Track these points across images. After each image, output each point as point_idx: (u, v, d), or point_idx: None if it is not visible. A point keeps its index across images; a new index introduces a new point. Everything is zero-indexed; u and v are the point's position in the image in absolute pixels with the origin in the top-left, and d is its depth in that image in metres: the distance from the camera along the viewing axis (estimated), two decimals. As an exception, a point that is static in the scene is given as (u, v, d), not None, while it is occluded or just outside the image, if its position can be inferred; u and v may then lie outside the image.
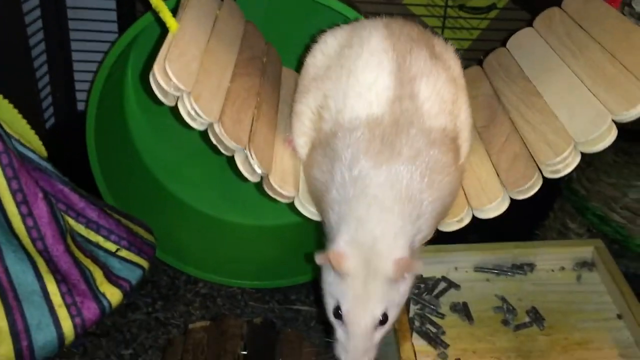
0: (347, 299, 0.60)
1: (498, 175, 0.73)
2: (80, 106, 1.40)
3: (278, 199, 0.73)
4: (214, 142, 0.68)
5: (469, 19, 1.43)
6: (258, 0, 1.17)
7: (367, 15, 1.10)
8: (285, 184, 0.72)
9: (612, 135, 0.65)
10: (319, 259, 0.62)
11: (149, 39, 1.06)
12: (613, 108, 0.65)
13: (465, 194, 0.74)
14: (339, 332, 0.62)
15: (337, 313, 0.61)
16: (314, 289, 1.14)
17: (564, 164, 0.67)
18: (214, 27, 0.79)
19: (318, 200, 0.69)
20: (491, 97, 0.82)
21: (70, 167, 1.12)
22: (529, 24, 0.92)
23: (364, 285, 0.60)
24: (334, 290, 0.62)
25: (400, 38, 0.71)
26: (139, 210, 1.16)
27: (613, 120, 0.65)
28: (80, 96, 1.39)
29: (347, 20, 1.01)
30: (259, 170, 0.70)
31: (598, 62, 0.70)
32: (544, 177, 0.70)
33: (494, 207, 0.71)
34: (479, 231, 1.14)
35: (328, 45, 0.79)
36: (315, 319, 1.08)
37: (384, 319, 0.62)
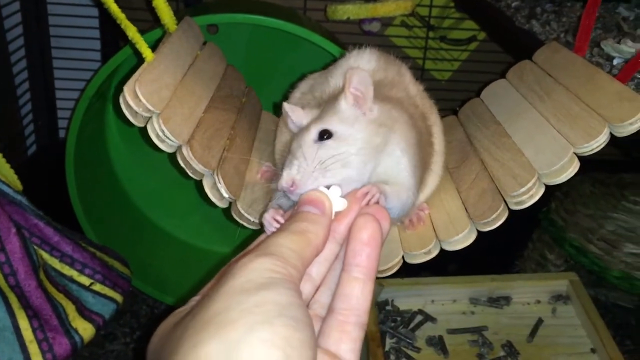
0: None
1: (466, 209, 0.74)
2: (62, 134, 1.40)
3: (245, 224, 0.73)
4: (182, 164, 0.69)
5: (450, 51, 1.45)
6: (239, 37, 1.19)
7: (349, 47, 1.12)
8: (253, 211, 0.73)
9: (574, 167, 0.67)
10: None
11: (131, 70, 1.07)
12: (574, 141, 0.67)
13: (433, 227, 0.75)
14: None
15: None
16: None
17: (529, 195, 0.69)
18: (193, 65, 0.81)
19: None
20: (464, 142, 0.84)
21: (51, 193, 1.12)
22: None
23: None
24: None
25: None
26: (119, 240, 1.16)
27: (575, 154, 0.67)
28: (63, 123, 1.40)
29: (326, 54, 1.03)
30: (226, 195, 0.70)
31: (563, 103, 0.72)
32: (522, 210, 0.71)
33: (461, 239, 0.71)
34: (459, 262, 1.16)
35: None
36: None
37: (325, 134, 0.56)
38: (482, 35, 1.42)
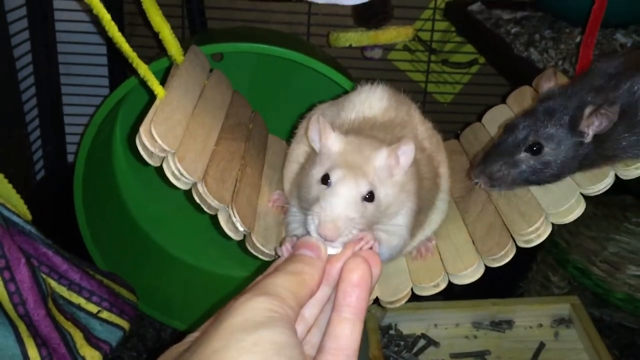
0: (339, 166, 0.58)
1: (474, 243, 0.74)
2: (71, 158, 1.42)
3: (260, 257, 0.74)
4: (198, 200, 0.70)
5: (452, 74, 1.47)
6: (243, 64, 1.21)
7: (352, 73, 1.14)
8: (267, 243, 0.74)
9: (581, 207, 0.67)
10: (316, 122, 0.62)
11: (138, 97, 1.09)
12: (581, 182, 0.68)
13: (442, 260, 0.75)
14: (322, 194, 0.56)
15: (325, 179, 0.57)
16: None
17: (536, 234, 0.69)
18: (202, 95, 0.82)
19: None
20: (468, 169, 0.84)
21: (59, 217, 1.14)
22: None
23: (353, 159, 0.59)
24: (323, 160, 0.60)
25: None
26: (126, 264, 1.18)
27: (582, 194, 0.68)
28: (71, 149, 1.42)
29: (328, 81, 1.05)
30: (241, 229, 0.71)
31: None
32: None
33: (470, 274, 0.72)
34: (465, 284, 1.16)
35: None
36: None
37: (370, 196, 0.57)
38: (483, 59, 1.44)
